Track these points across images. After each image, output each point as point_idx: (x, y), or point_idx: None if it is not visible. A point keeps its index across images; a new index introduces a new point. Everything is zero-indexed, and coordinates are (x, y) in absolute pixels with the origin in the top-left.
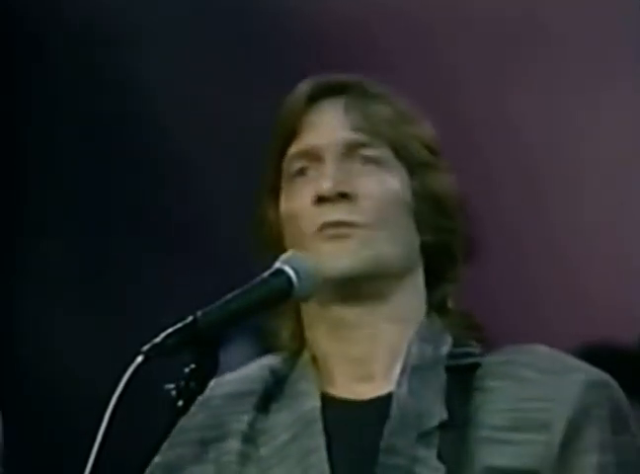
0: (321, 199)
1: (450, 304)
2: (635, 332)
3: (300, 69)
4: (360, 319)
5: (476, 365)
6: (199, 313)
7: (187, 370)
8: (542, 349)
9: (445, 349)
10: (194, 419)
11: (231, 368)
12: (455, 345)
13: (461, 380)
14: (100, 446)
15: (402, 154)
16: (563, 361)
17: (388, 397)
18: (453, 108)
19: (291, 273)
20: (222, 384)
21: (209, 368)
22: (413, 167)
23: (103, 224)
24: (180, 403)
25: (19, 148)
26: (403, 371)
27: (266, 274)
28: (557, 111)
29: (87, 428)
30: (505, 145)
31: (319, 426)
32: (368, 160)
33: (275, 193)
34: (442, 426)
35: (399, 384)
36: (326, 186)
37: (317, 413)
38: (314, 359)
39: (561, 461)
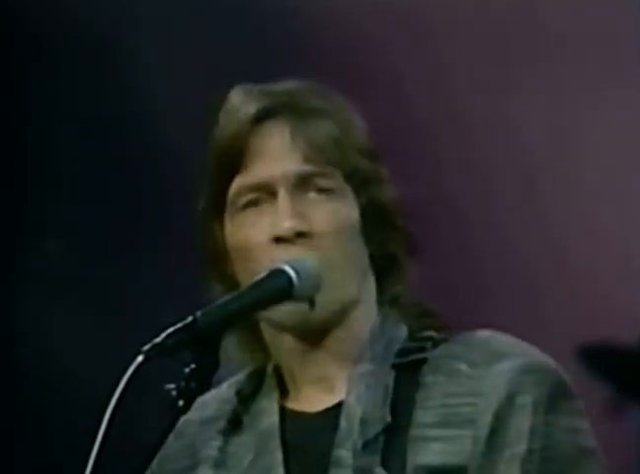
0: (279, 239)
1: (403, 298)
2: (635, 332)
3: (300, 69)
4: (317, 345)
5: (423, 361)
6: (198, 313)
7: (187, 370)
8: (479, 336)
9: (398, 344)
10: (172, 447)
11: (232, 368)
12: (411, 336)
13: (407, 377)
14: (100, 446)
15: (349, 175)
16: (493, 350)
17: (337, 406)
18: (453, 108)
19: (292, 272)
20: (197, 408)
21: (210, 368)
22: (359, 186)
23: (103, 224)
24: (180, 403)
25: (19, 148)
26: (352, 378)
27: (266, 273)
28: (558, 111)
29: (87, 427)
30: (505, 145)
31: (276, 441)
32: (321, 190)
33: (219, 215)
34: (387, 429)
35: (348, 392)
36: (285, 226)
37: (275, 429)
38: (279, 369)
39: (487, 455)
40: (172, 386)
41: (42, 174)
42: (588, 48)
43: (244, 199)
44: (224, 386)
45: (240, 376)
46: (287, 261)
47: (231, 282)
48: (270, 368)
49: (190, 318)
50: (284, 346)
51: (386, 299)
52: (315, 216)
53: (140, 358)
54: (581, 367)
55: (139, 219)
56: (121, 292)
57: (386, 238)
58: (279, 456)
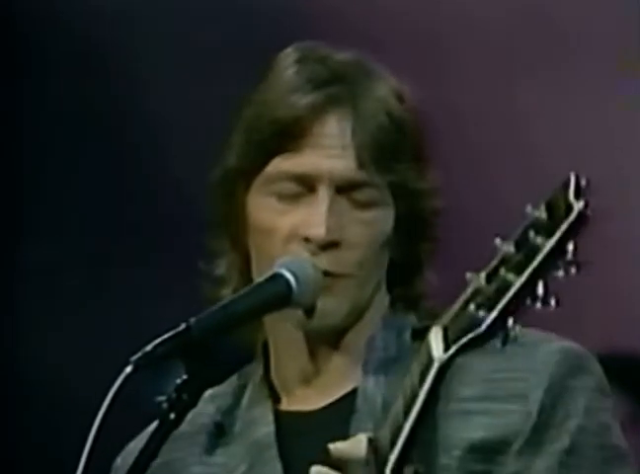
0: (307, 240)
1: (422, 304)
2: None
3: None
4: (325, 344)
5: None
6: (192, 320)
7: (178, 382)
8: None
9: (409, 332)
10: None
11: None
12: (419, 318)
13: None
14: (89, 454)
15: (394, 184)
16: (532, 333)
17: (347, 396)
18: (454, 108)
19: (290, 277)
20: None
21: (202, 379)
22: (402, 195)
23: (103, 224)
24: (172, 416)
25: (19, 148)
26: (366, 365)
27: (263, 278)
28: (561, 110)
29: (77, 435)
30: (509, 145)
31: (274, 451)
32: (362, 202)
33: (247, 178)
34: None
35: (363, 379)
36: (319, 233)
37: (271, 438)
38: (267, 371)
39: (538, 430)
40: (163, 398)
41: (42, 174)
42: (593, 48)
43: (281, 187)
44: (200, 402)
45: (216, 390)
46: (287, 264)
47: (243, 250)
48: (257, 378)
49: (183, 325)
50: (288, 336)
51: (402, 304)
52: (349, 227)
53: (129, 369)
54: None
55: (140, 220)
56: (122, 292)
57: (415, 248)
58: (277, 466)
